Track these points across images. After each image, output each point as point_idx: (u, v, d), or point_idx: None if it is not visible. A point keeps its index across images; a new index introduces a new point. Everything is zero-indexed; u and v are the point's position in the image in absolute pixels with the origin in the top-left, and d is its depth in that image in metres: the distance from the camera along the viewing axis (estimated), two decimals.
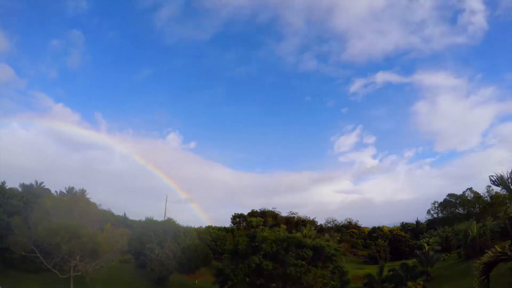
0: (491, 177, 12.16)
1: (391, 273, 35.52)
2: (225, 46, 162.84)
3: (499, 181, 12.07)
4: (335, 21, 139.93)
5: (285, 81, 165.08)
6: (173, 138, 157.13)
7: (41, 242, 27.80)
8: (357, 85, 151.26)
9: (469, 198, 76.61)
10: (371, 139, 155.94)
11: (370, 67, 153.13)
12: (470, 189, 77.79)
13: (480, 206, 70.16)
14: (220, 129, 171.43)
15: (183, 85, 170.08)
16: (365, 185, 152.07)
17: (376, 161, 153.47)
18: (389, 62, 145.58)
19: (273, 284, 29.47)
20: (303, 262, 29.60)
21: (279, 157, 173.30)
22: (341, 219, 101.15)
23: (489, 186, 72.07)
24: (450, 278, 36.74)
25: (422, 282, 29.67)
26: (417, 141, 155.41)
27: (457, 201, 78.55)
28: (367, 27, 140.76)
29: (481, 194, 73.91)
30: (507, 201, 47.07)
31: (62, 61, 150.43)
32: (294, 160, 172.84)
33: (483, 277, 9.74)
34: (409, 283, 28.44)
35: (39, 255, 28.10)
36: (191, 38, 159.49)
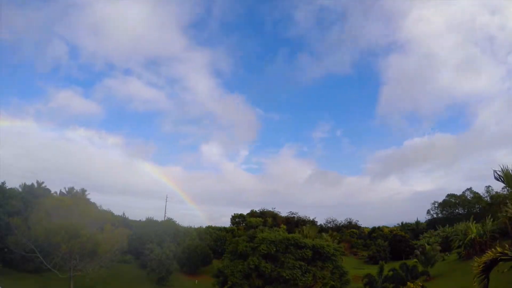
0: (495, 172, 12.07)
1: (391, 273, 35.50)
2: None
3: (504, 177, 11.99)
4: None
5: None
6: None
7: (41, 242, 27.80)
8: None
9: (468, 198, 76.82)
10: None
11: None
12: (470, 189, 78.12)
13: (480, 206, 70.32)
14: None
15: None
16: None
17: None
18: None
19: (271, 286, 29.43)
20: (302, 263, 29.60)
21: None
22: (340, 219, 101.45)
23: (489, 186, 72.49)
24: (450, 278, 36.74)
25: (421, 283, 29.61)
26: None
27: (457, 201, 78.76)
28: None
29: (481, 194, 74.13)
30: (507, 201, 47.04)
31: None
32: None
33: (483, 276, 9.73)
34: (410, 284, 28.41)
35: (39, 255, 28.09)
36: None
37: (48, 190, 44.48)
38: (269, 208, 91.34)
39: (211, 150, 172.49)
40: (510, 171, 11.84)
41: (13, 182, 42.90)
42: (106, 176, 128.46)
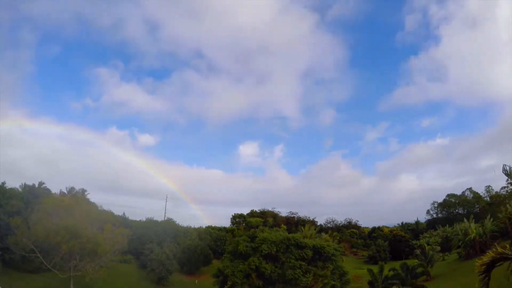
0: (505, 166, 12.06)
1: (391, 273, 35.48)
2: None
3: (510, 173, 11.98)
4: None
5: None
6: None
7: (41, 242, 27.77)
8: None
9: (468, 198, 76.82)
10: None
11: None
12: (470, 189, 78.15)
13: (480, 206, 70.33)
14: None
15: None
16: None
17: None
18: None
19: (272, 286, 29.45)
20: (303, 263, 29.63)
21: None
22: (340, 219, 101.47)
23: (489, 186, 72.50)
24: (450, 278, 36.75)
25: (418, 282, 29.73)
26: None
27: (457, 201, 78.77)
28: None
29: (481, 194, 74.14)
30: (507, 200, 47.10)
31: None
32: None
33: (484, 275, 9.73)
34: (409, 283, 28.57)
35: (39, 255, 28.06)
36: None
37: (49, 190, 44.44)
38: (269, 208, 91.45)
39: (260, 153, 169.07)
40: None
41: (15, 183, 42.76)
42: (126, 179, 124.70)
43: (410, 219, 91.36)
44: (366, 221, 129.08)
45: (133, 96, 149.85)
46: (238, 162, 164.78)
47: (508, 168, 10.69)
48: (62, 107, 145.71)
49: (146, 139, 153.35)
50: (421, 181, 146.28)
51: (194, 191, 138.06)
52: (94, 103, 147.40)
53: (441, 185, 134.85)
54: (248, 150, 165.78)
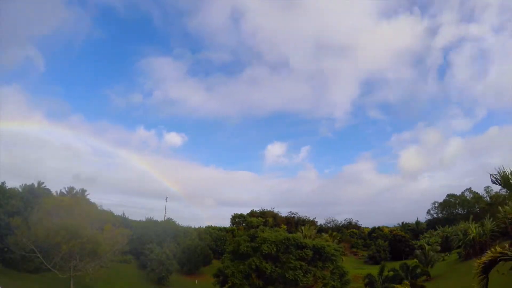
0: (491, 175, 11.99)
1: (391, 273, 35.51)
2: None
3: (501, 179, 11.92)
4: None
5: None
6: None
7: (41, 242, 27.79)
8: None
9: (468, 198, 76.83)
10: None
11: None
12: (469, 189, 78.17)
13: (480, 206, 70.34)
14: None
15: None
16: None
17: None
18: None
19: (272, 286, 29.44)
20: (303, 263, 29.61)
21: None
22: (341, 219, 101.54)
23: (488, 187, 72.51)
24: (450, 278, 36.77)
25: (409, 282, 29.74)
26: None
27: (457, 201, 78.78)
28: None
29: (481, 195, 74.16)
30: (507, 201, 47.09)
31: None
32: None
33: (482, 276, 9.72)
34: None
35: (39, 255, 28.08)
36: None
37: (48, 190, 44.44)
38: (268, 208, 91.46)
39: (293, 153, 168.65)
40: (507, 173, 11.80)
41: (14, 182, 42.92)
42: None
43: (411, 219, 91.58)
44: (367, 221, 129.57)
45: (191, 92, 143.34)
46: (269, 162, 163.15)
47: (496, 176, 10.58)
48: (96, 105, 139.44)
49: (176, 139, 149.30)
50: (432, 182, 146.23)
51: (223, 193, 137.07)
52: (144, 100, 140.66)
53: (447, 185, 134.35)
54: (278, 150, 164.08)
